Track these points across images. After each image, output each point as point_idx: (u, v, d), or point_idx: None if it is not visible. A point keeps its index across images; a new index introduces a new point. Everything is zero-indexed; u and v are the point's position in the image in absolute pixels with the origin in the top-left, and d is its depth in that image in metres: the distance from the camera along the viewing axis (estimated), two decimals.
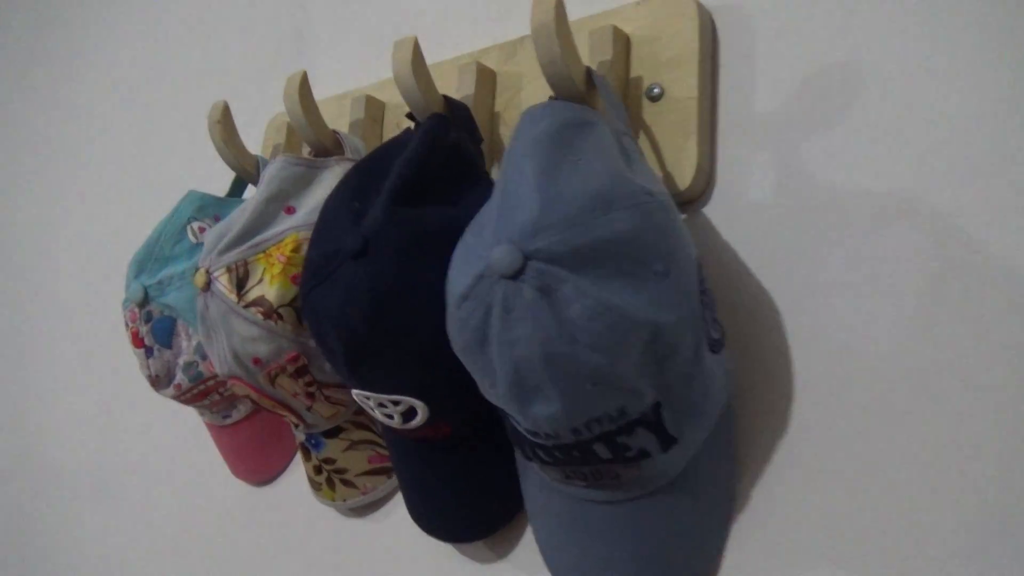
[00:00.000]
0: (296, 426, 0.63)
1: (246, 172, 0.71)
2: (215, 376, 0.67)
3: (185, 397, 0.68)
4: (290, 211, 0.59)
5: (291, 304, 0.56)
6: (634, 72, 0.54)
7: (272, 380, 0.57)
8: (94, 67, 1.05)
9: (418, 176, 0.49)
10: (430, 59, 0.69)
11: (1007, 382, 0.41)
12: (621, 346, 0.39)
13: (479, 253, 0.41)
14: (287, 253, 0.56)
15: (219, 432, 0.73)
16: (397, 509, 0.64)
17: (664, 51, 0.53)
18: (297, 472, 0.72)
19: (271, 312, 0.55)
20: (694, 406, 0.43)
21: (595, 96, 0.51)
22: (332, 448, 0.62)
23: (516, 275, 0.39)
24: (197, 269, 0.57)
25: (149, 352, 0.66)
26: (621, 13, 0.55)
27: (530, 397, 0.40)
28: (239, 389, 0.59)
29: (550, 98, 0.51)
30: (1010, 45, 0.43)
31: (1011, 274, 0.41)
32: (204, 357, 0.66)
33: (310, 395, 0.59)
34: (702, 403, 0.43)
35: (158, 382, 0.67)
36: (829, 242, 0.47)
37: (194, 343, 0.66)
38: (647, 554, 0.45)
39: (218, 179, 0.82)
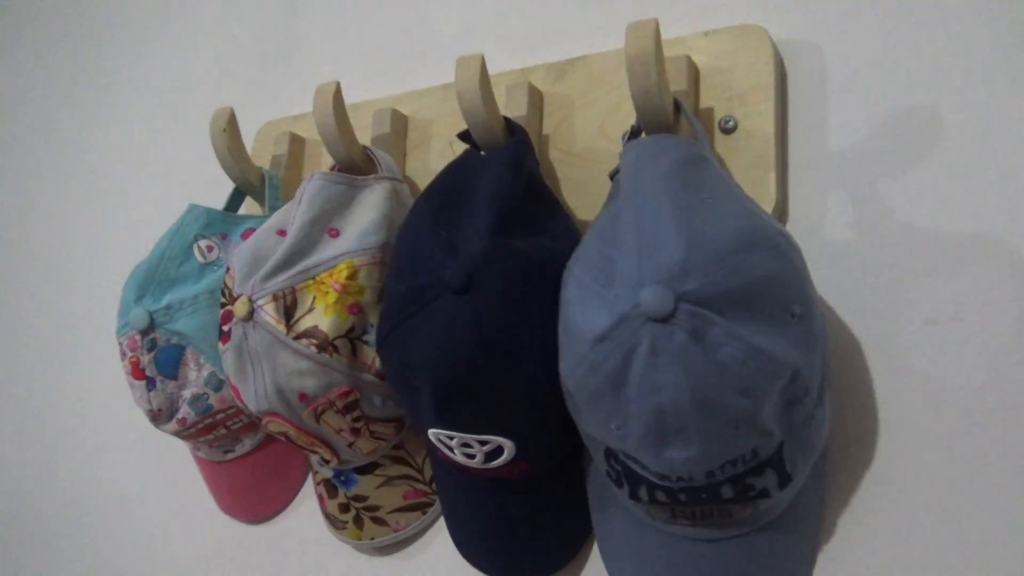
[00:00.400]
0: (326, 462, 0.58)
1: (249, 185, 0.66)
2: (226, 409, 0.61)
3: (189, 432, 0.62)
4: (333, 233, 0.55)
5: (347, 335, 0.52)
6: (704, 103, 0.54)
7: (318, 416, 0.53)
8: (64, 75, 0.95)
9: (512, 205, 0.46)
10: (446, 74, 0.67)
11: None
12: (767, 389, 0.38)
13: (617, 293, 0.39)
14: (342, 280, 0.52)
15: (215, 468, 0.67)
16: (424, 547, 0.61)
17: (736, 83, 0.53)
18: (299, 508, 0.67)
19: (326, 344, 0.51)
20: (809, 444, 0.43)
21: (679, 126, 0.51)
22: (365, 485, 0.59)
23: (667, 318, 0.37)
24: (237, 296, 0.52)
25: (151, 384, 0.60)
26: (688, 42, 0.55)
27: (668, 441, 0.39)
28: (275, 426, 0.54)
29: (634, 128, 0.50)
30: None
31: None
32: (217, 389, 0.60)
33: (355, 431, 0.55)
34: (815, 441, 0.44)
35: (159, 416, 0.61)
36: (909, 280, 0.48)
37: (205, 374, 0.60)
38: None
39: (201, 188, 0.76)
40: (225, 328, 0.56)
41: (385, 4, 0.73)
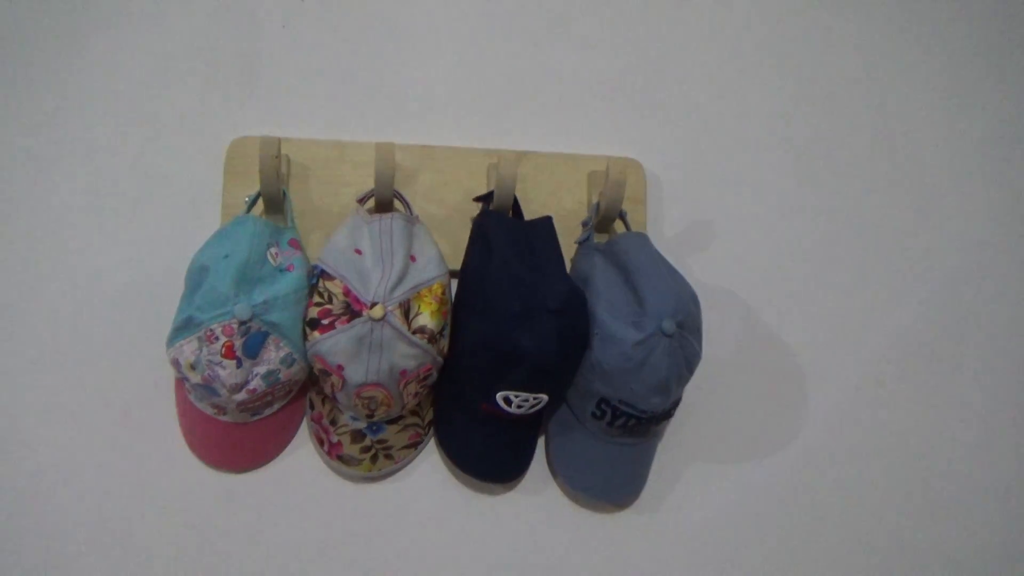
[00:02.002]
0: (370, 417, 0.81)
1: (275, 200, 0.83)
2: (287, 382, 0.78)
3: (251, 398, 0.76)
4: (413, 259, 0.79)
5: (440, 332, 0.77)
6: None
7: (405, 385, 0.77)
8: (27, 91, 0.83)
9: None
10: (420, 136, 0.93)
11: (788, 386, 0.96)
12: (694, 368, 0.81)
13: (643, 321, 0.77)
14: (439, 295, 0.77)
15: (228, 429, 0.81)
16: (412, 470, 0.87)
17: (626, 192, 0.93)
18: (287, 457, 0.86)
19: (434, 337, 0.76)
20: None
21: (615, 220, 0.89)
22: (390, 431, 0.83)
23: (672, 335, 0.77)
24: (372, 303, 0.73)
25: (239, 363, 0.74)
26: (596, 161, 0.93)
27: (657, 392, 0.78)
28: (368, 393, 0.76)
29: (589, 219, 0.87)
30: (823, 203, 0.99)
31: (789, 344, 0.97)
32: (289, 366, 0.77)
33: (417, 394, 0.80)
34: None
35: (236, 388, 0.75)
36: (710, 310, 0.95)
37: (282, 354, 0.76)
38: (642, 468, 0.87)
39: (165, 200, 0.87)
40: (325, 321, 0.75)
41: (357, 50, 0.93)
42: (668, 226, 0.97)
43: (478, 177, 0.91)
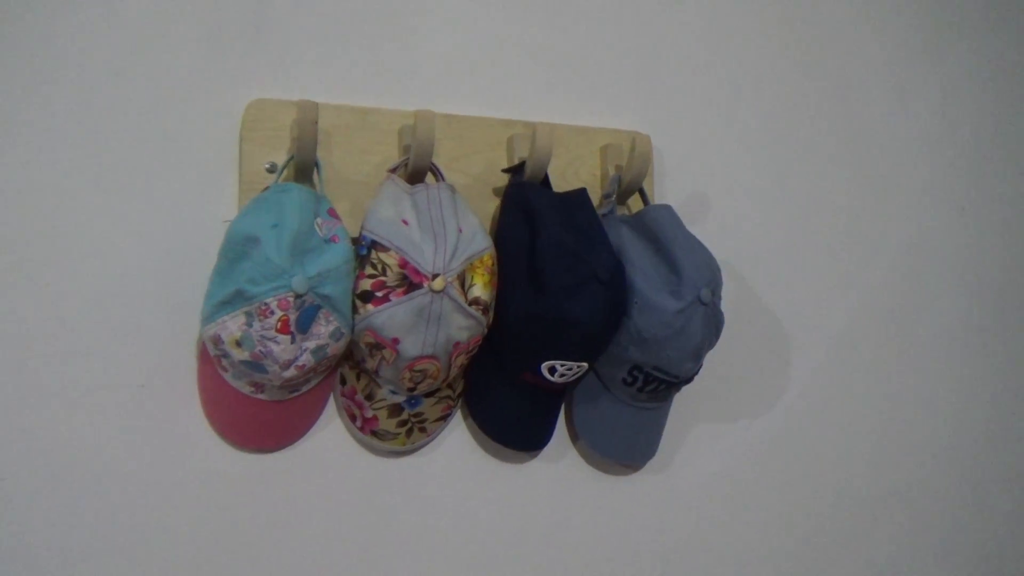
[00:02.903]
0: (411, 391, 0.79)
1: (310, 166, 0.79)
2: (331, 356, 0.75)
3: (299, 374, 0.73)
4: (461, 230, 0.77)
5: (491, 303, 0.77)
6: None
7: (456, 357, 0.77)
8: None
9: None
10: (435, 103, 0.91)
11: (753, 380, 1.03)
12: (720, 333, 0.85)
13: (677, 289, 0.80)
14: (489, 265, 0.77)
15: (266, 407, 0.77)
16: (440, 441, 0.87)
17: None
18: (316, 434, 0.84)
19: (487, 309, 0.76)
20: None
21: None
22: (426, 404, 0.82)
23: (708, 303, 0.81)
24: (434, 275, 0.72)
25: (292, 338, 0.71)
26: (610, 134, 0.95)
27: (692, 357, 0.82)
28: (421, 365, 0.75)
29: (610, 190, 0.89)
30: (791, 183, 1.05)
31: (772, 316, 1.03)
32: (337, 340, 0.74)
33: (462, 366, 0.80)
34: None
35: (287, 365, 0.71)
36: None
37: (331, 328, 0.73)
38: (660, 430, 0.91)
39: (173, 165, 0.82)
40: (379, 294, 0.74)
41: (372, 13, 0.89)
42: (667, 199, 1.01)
43: (497, 148, 0.91)
